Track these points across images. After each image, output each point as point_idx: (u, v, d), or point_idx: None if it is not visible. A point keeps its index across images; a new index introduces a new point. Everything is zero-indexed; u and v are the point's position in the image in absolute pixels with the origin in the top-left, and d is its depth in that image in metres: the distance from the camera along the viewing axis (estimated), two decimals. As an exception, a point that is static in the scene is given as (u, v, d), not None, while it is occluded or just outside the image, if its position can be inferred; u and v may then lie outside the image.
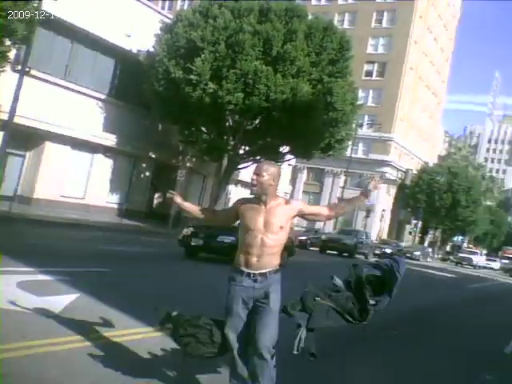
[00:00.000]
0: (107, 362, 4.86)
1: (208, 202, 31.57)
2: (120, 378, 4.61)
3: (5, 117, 18.88)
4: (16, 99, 17.73)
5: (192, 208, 4.43)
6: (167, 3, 72.57)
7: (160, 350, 5.55)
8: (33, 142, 24.40)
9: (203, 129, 26.92)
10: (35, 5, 16.91)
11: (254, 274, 4.02)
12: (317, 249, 33.22)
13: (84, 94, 25.42)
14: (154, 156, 30.01)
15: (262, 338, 3.90)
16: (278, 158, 30.40)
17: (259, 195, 4.03)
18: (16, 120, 18.66)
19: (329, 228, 47.00)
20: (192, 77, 22.88)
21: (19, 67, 18.72)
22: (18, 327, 5.43)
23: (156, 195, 33.27)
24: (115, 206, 28.90)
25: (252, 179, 4.02)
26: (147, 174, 31.00)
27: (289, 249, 16.04)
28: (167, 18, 28.66)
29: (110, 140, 26.63)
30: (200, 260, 14.73)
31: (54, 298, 6.96)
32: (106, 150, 27.28)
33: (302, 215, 4.18)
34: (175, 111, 24.94)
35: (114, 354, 5.21)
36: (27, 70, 18.04)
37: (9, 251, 9.66)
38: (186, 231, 15.16)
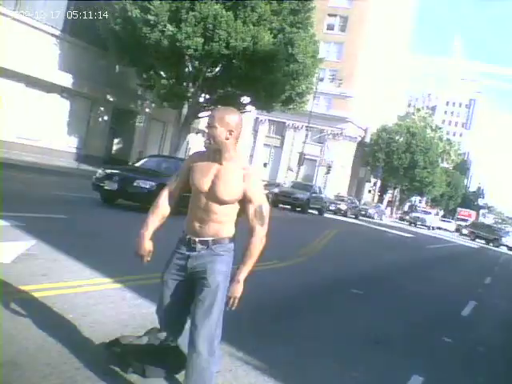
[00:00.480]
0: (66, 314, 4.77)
1: (168, 150, 31.41)
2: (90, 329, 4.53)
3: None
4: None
5: (155, 222, 3.53)
6: None
7: (122, 301, 5.53)
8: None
9: (162, 73, 26.43)
10: None
11: (193, 240, 3.35)
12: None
13: (36, 28, 24.39)
14: (111, 99, 29.45)
15: (198, 329, 3.24)
16: (238, 108, 30.48)
17: (213, 148, 3.30)
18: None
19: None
20: (150, 17, 22.33)
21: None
22: None
23: (115, 141, 32.81)
24: (73, 151, 28.45)
25: (205, 129, 3.31)
26: (105, 118, 30.45)
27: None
28: None
29: (66, 79, 25.94)
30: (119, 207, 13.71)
31: (9, 244, 6.77)
32: (61, 91, 26.61)
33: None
34: (132, 52, 24.32)
35: (75, 304, 5.12)
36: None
37: None
38: (100, 173, 13.73)
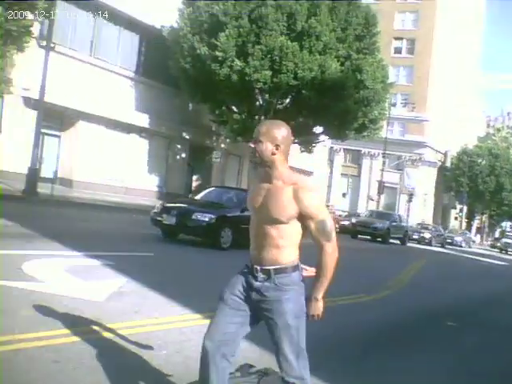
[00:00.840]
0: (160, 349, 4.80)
1: (245, 183, 31.78)
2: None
3: (35, 95, 19.46)
4: (44, 76, 18.12)
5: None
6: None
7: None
8: (66, 121, 24.95)
9: (234, 108, 26.96)
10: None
11: (256, 268, 3.06)
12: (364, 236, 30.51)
13: (112, 71, 25.67)
14: (188, 137, 30.23)
15: (283, 365, 3.05)
16: (311, 138, 30.50)
17: (262, 166, 3.03)
18: (47, 99, 19.05)
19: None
20: (217, 53, 22.88)
21: (44, 43, 19.17)
22: (68, 313, 5.39)
23: (194, 177, 33.52)
24: (154, 189, 29.31)
25: (252, 145, 3.00)
26: (183, 155, 31.26)
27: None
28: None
29: (143, 120, 26.97)
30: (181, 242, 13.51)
31: (102, 283, 7.01)
32: (140, 131, 27.68)
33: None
34: (203, 89, 24.99)
35: (168, 341, 5.14)
36: (52, 45, 18.39)
37: (55, 235, 9.96)
38: (158, 207, 13.53)
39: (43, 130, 20.58)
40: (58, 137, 25.33)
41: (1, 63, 16.45)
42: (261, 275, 3.04)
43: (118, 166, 26.52)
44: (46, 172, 21.56)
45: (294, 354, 3.02)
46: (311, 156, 34.11)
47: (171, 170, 30.36)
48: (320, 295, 3.06)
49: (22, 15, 16.22)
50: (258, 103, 26.28)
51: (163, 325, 5.66)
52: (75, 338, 4.70)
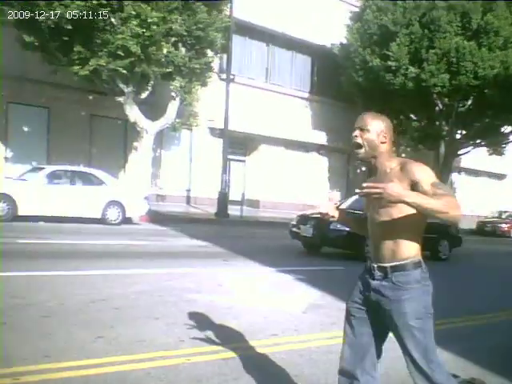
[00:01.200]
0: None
1: (429, 193, 30.55)
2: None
3: (220, 125, 20.86)
4: (227, 107, 19.38)
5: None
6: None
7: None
8: (249, 146, 26.26)
9: (412, 116, 26.17)
10: (227, 13, 18.40)
11: (372, 266, 2.90)
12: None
13: (287, 94, 26.51)
14: (363, 150, 29.91)
15: (413, 375, 2.82)
16: (500, 139, 28.36)
17: (367, 159, 2.87)
18: (230, 127, 20.31)
19: None
20: (390, 63, 22.51)
21: (224, 76, 20.49)
22: (268, 324, 5.76)
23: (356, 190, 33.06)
24: (336, 204, 29.43)
25: (354, 136, 2.85)
26: (363, 169, 31.03)
27: (451, 236, 13.89)
28: (354, 6, 28.32)
29: (321, 137, 27.34)
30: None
31: (297, 296, 7.36)
32: (318, 148, 28.08)
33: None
34: (378, 101, 24.56)
35: None
36: (232, 77, 19.59)
37: (247, 252, 10.74)
38: (295, 219, 12.89)
39: (229, 156, 21.83)
40: (243, 161, 26.70)
41: (189, 99, 17.84)
42: (378, 273, 2.84)
43: (299, 184, 27.14)
44: (234, 195, 22.76)
45: (424, 360, 2.75)
46: (502, 158, 31.64)
47: (352, 185, 30.23)
48: (408, 196, 2.49)
49: (203, 54, 17.48)
50: (437, 108, 25.15)
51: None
52: (280, 348, 4.91)
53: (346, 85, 25.70)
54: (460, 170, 33.61)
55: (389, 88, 23.27)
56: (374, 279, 2.87)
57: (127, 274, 7.85)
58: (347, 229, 10.57)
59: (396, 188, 2.50)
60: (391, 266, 2.78)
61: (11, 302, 5.63)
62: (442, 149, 27.11)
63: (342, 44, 26.10)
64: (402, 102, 24.25)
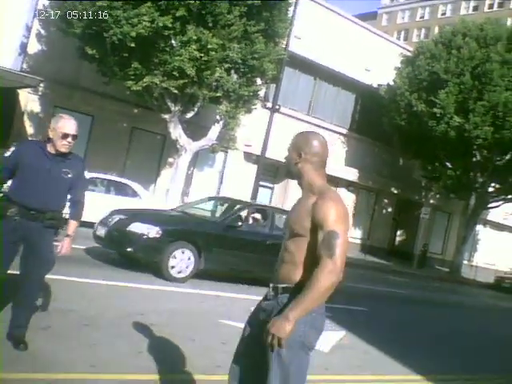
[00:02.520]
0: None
1: (454, 242, 30.32)
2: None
3: (257, 152, 20.91)
4: (267, 135, 19.45)
5: None
6: (402, 34, 72.30)
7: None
8: (280, 173, 26.27)
9: (448, 164, 26.07)
10: (283, 46, 18.60)
11: (269, 287, 2.81)
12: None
13: (326, 128, 26.47)
14: (395, 191, 29.80)
15: None
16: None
17: (291, 177, 2.91)
18: (267, 154, 20.37)
19: None
20: (435, 110, 22.56)
21: (268, 105, 20.59)
22: None
23: (398, 232, 32.86)
24: (357, 242, 29.30)
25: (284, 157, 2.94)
26: (389, 209, 30.87)
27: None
28: (407, 50, 28.63)
29: (352, 174, 27.29)
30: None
31: (324, 334, 7.28)
32: (348, 185, 28.00)
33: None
34: (417, 145, 24.71)
35: None
36: (277, 107, 19.69)
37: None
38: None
39: (260, 183, 21.86)
40: (271, 188, 26.70)
41: (232, 124, 17.98)
42: (270, 293, 2.76)
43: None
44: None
45: None
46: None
47: (376, 224, 30.05)
48: (293, 315, 2.45)
49: (252, 82, 17.65)
50: (474, 159, 25.02)
51: (385, 383, 5.76)
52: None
53: (386, 126, 25.77)
54: (485, 222, 33.29)
55: (430, 134, 23.29)
56: (266, 299, 2.80)
57: (160, 289, 8.05)
58: (147, 232, 8.95)
59: (282, 330, 2.43)
60: (283, 288, 2.69)
61: (53, 305, 5.72)
62: (473, 200, 26.99)
63: (389, 85, 26.24)
64: (441, 149, 24.25)
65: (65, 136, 4.12)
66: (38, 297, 4.53)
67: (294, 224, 2.69)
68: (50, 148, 4.18)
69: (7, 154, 4.42)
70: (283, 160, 3.02)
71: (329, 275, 2.47)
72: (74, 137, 4.19)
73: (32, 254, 4.18)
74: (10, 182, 4.35)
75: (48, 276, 6.38)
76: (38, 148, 4.23)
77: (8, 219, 4.10)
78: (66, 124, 4.16)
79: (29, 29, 18.68)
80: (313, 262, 2.56)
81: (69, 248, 4.34)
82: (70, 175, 4.22)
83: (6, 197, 4.19)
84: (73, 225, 4.37)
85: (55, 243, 4.31)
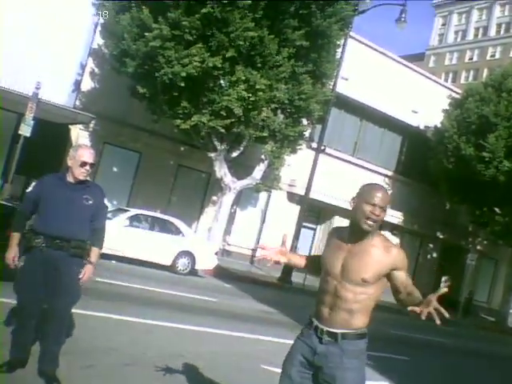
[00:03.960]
0: None
1: (500, 290, 29.28)
2: None
3: (301, 192, 20.82)
4: (312, 176, 19.37)
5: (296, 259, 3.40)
6: (450, 75, 71.78)
7: None
8: (323, 215, 26.06)
9: (496, 209, 25.37)
10: (330, 87, 18.70)
11: (321, 329, 2.91)
12: None
13: (371, 170, 26.33)
14: (441, 236, 29.15)
15: None
16: None
17: (368, 232, 2.94)
18: (311, 195, 20.25)
19: None
20: (484, 154, 22.19)
21: (313, 145, 20.58)
22: None
23: (443, 278, 31.99)
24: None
25: (373, 213, 2.88)
26: (434, 254, 30.19)
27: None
28: (456, 92, 28.34)
29: (397, 217, 26.82)
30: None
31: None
32: (392, 228, 27.51)
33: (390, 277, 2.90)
34: (464, 189, 24.22)
35: None
36: (323, 148, 19.65)
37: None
38: None
39: (303, 223, 21.65)
40: (314, 229, 26.47)
41: (276, 164, 18.02)
42: (326, 338, 2.88)
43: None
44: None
45: None
46: None
47: (420, 269, 29.27)
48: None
49: (299, 122, 17.75)
50: (525, 206, 24.29)
51: None
52: None
53: (433, 169, 25.44)
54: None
55: (478, 178, 22.85)
56: (321, 343, 2.89)
57: (201, 331, 7.93)
58: None
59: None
60: (342, 334, 2.85)
61: (95, 343, 5.69)
62: (523, 248, 26.19)
63: (436, 128, 25.99)
64: (489, 194, 23.67)
65: (83, 164, 4.27)
66: (66, 329, 4.49)
67: (365, 273, 2.85)
68: (69, 177, 4.33)
69: (29, 189, 4.57)
70: (373, 216, 2.91)
71: None
72: (92, 165, 4.34)
73: (58, 285, 4.20)
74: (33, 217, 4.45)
75: (86, 312, 6.42)
76: (57, 179, 4.40)
77: (34, 250, 4.19)
78: (85, 153, 4.31)
79: (83, 67, 19.40)
80: (367, 308, 2.90)
81: (91, 275, 4.38)
82: (90, 201, 4.32)
83: (32, 229, 4.28)
84: (95, 252, 4.40)
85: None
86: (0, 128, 18.18)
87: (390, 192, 24.06)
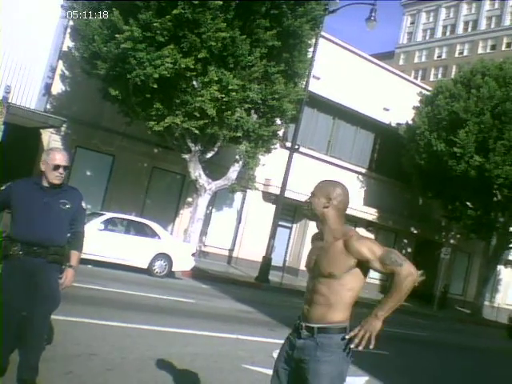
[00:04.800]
0: None
1: (475, 283, 29.75)
2: None
3: (276, 191, 20.87)
4: (286, 175, 19.44)
5: None
6: (420, 73, 72.75)
7: None
8: (299, 214, 26.15)
9: (468, 204, 25.83)
10: (303, 86, 18.78)
11: (301, 325, 3.02)
12: None
13: (345, 168, 26.54)
14: (415, 231, 29.51)
15: None
16: None
17: (311, 218, 3.15)
18: (286, 194, 20.31)
19: None
20: (455, 149, 22.59)
21: (287, 144, 20.68)
22: None
23: (418, 273, 32.39)
24: (376, 282, 28.84)
25: (305, 201, 3.16)
26: (408, 249, 30.48)
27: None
28: (426, 90, 28.74)
29: (371, 214, 27.08)
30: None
31: (348, 379, 7.22)
32: (367, 224, 27.75)
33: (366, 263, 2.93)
34: (437, 185, 24.63)
35: None
36: (296, 147, 19.73)
37: (291, 324, 10.51)
38: None
39: (278, 222, 21.70)
40: (289, 228, 26.54)
41: (251, 163, 18.03)
42: (304, 332, 2.97)
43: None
44: (275, 260, 22.56)
45: None
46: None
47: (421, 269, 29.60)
48: (381, 313, 2.86)
49: (272, 122, 17.80)
50: (495, 199, 24.77)
51: None
52: None
53: (406, 165, 25.83)
54: (507, 262, 32.71)
55: (449, 174, 23.24)
56: (300, 338, 2.98)
57: (181, 333, 7.91)
58: None
59: (375, 327, 2.83)
60: (318, 328, 2.92)
61: (75, 349, 5.64)
62: (494, 240, 26.63)
63: (408, 125, 26.33)
64: (461, 189, 24.08)
65: (56, 167, 4.18)
66: (45, 336, 4.42)
67: (329, 267, 2.92)
68: (44, 182, 4.24)
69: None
70: (305, 202, 3.16)
71: (407, 278, 2.83)
72: (65, 168, 4.25)
73: (37, 292, 4.13)
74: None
75: (66, 318, 6.34)
76: (32, 183, 4.30)
77: (11, 259, 4.11)
78: (57, 156, 4.22)
79: (53, 70, 19.14)
80: (344, 302, 2.93)
81: (72, 279, 4.30)
82: (68, 205, 4.25)
83: (8, 236, 4.19)
84: (75, 256, 4.34)
85: (60, 280, 4.25)
86: (-31, 133, 17.84)
87: (364, 189, 24.45)
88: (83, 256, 12.86)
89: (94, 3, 15.53)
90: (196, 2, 14.24)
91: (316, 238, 3.20)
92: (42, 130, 18.54)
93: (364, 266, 2.92)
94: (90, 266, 13.31)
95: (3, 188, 4.43)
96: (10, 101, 13.89)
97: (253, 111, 17.10)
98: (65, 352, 5.42)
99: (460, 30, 71.49)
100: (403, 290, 2.84)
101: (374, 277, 28.45)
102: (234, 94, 15.20)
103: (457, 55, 70.06)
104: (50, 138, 19.09)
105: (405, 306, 24.21)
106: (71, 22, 17.16)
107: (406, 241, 30.16)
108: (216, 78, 14.89)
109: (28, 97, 17.73)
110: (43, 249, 4.13)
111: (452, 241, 30.78)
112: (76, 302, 7.74)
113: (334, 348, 2.90)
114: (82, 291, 8.96)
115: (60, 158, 4.21)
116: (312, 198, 3.10)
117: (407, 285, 2.84)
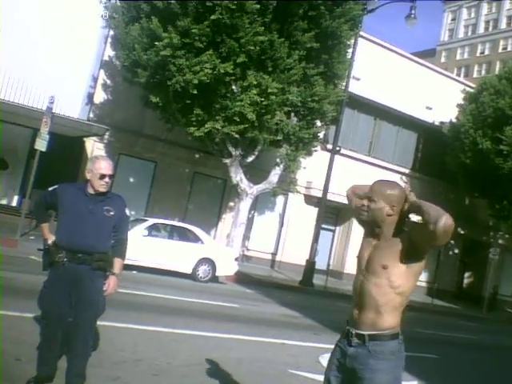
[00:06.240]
0: None
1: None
2: None
3: (318, 194, 20.70)
4: (328, 177, 19.28)
5: None
6: (462, 70, 71.12)
7: None
8: (342, 217, 25.90)
9: (516, 203, 25.08)
10: (342, 87, 18.63)
11: (351, 332, 2.86)
12: None
13: (387, 168, 26.15)
14: (462, 232, 28.79)
15: None
16: None
17: (373, 225, 2.95)
18: (328, 197, 20.14)
19: None
20: (502, 147, 22.00)
21: (329, 146, 20.52)
22: None
23: (466, 274, 31.64)
24: (424, 285, 28.30)
25: (361, 205, 2.95)
26: (455, 251, 29.83)
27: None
28: (469, 87, 28.06)
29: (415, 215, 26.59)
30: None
31: None
32: (411, 226, 27.27)
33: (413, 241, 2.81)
34: (483, 184, 24.03)
35: None
36: (337, 148, 19.55)
37: (337, 328, 10.37)
38: None
39: (321, 225, 21.53)
40: (332, 231, 26.29)
41: (292, 167, 17.94)
42: (355, 340, 2.83)
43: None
44: (319, 264, 22.34)
45: None
46: None
47: (442, 266, 28.97)
48: (413, 198, 2.90)
49: (312, 124, 17.69)
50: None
51: None
52: None
53: (450, 165, 25.28)
54: None
55: (496, 172, 22.66)
56: (350, 346, 2.84)
57: (225, 337, 7.87)
58: None
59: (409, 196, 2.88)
60: (369, 335, 2.78)
61: (121, 355, 5.65)
62: (544, 240, 25.84)
63: (452, 123, 25.78)
64: (509, 187, 23.41)
65: (102, 176, 4.21)
66: (91, 343, 4.44)
67: (383, 261, 2.81)
68: (89, 189, 4.27)
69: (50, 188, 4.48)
70: (361, 205, 2.97)
71: (447, 220, 2.79)
72: (111, 176, 4.27)
73: (82, 299, 4.17)
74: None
75: (111, 323, 6.38)
76: (78, 190, 4.33)
77: (56, 265, 4.15)
78: (102, 165, 4.25)
79: (95, 79, 19.53)
80: (394, 305, 2.78)
81: (115, 286, 4.32)
82: (112, 213, 4.27)
83: (54, 243, 4.23)
84: (118, 263, 4.35)
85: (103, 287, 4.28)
86: (16, 144, 18.37)
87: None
88: (127, 262, 13.04)
89: (133, 12, 15.77)
90: (233, 7, 14.29)
91: (366, 235, 3.06)
92: (85, 139, 18.93)
93: (414, 254, 2.79)
94: (134, 272, 13.45)
95: (50, 189, 4.50)
96: (53, 111, 14.19)
97: (292, 114, 17.05)
98: (111, 358, 5.45)
99: (503, 24, 69.71)
100: (433, 209, 2.85)
101: (422, 279, 27.92)
102: (273, 97, 15.20)
103: (500, 50, 68.30)
104: (94, 146, 19.46)
105: (453, 309, 23.74)
106: (112, 32, 17.48)
107: (452, 242, 29.41)
108: (255, 82, 14.91)
109: (71, 106, 18.11)
110: (87, 256, 4.16)
111: (500, 241, 29.92)
112: (120, 308, 7.80)
113: (388, 355, 2.78)
114: (126, 297, 9.04)
115: (106, 167, 4.25)
116: (372, 203, 2.90)
117: (439, 212, 2.83)
